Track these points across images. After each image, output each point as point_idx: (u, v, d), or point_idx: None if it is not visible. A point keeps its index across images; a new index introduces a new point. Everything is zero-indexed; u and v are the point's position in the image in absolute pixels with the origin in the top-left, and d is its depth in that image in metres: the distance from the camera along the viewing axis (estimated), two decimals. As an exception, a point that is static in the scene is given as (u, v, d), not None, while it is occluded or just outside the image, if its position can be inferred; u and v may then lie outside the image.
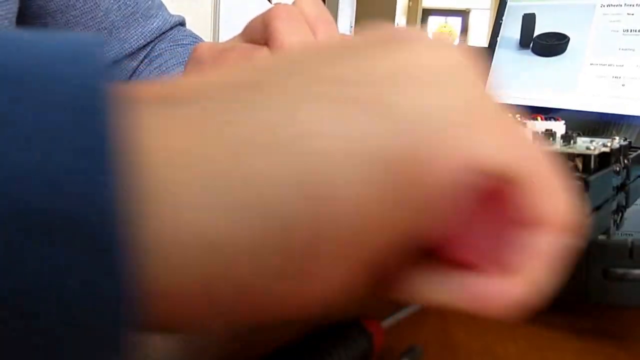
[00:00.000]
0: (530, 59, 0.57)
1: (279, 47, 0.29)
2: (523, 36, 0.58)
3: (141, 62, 0.54)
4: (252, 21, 0.32)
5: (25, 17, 0.49)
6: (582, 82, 0.53)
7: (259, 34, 0.30)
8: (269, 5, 0.32)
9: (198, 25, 0.61)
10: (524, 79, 0.57)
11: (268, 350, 0.15)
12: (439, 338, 0.19)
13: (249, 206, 0.11)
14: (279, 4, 0.32)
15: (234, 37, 0.33)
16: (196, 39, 0.57)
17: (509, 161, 0.12)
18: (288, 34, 0.29)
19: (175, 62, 0.52)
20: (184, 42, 0.55)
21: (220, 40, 0.36)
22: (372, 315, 0.18)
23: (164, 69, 0.52)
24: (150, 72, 0.52)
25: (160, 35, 0.54)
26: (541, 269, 0.13)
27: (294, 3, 0.31)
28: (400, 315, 0.19)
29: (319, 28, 0.30)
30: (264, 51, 0.29)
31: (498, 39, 0.60)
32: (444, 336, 0.19)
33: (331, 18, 0.32)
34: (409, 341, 0.18)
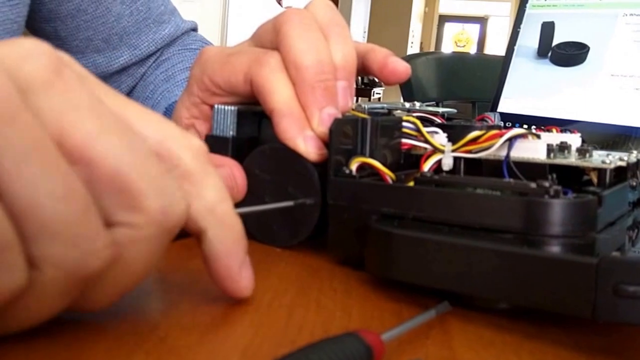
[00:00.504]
0: (548, 68, 0.57)
1: (289, 52, 0.29)
2: (541, 45, 0.58)
3: (149, 67, 0.54)
4: (262, 25, 0.32)
5: (35, 21, 0.50)
6: (602, 94, 0.53)
7: (270, 38, 0.30)
8: (279, 10, 0.32)
9: (206, 30, 0.62)
10: (541, 89, 0.57)
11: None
12: (441, 352, 0.19)
13: None
14: (291, 7, 0.32)
15: (244, 42, 0.33)
16: (206, 43, 0.57)
17: None
18: (299, 39, 0.29)
19: (182, 67, 0.52)
20: (193, 46, 0.55)
21: (228, 45, 0.36)
22: (373, 327, 0.18)
23: (171, 73, 0.53)
24: (156, 77, 0.53)
25: (171, 41, 0.55)
26: None
27: (306, 7, 0.32)
28: (403, 328, 0.19)
29: (331, 33, 0.30)
30: (274, 55, 0.29)
31: (515, 47, 0.60)
32: (447, 350, 0.19)
33: (344, 23, 0.32)
34: (411, 355, 0.18)
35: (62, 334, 0.18)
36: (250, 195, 0.28)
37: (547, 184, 0.23)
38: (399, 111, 0.38)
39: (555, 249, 0.22)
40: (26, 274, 0.16)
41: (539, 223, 0.22)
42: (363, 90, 4.42)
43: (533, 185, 0.23)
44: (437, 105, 1.29)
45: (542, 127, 0.35)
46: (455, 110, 0.40)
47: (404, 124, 0.32)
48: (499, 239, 0.22)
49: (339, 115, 0.29)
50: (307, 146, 0.28)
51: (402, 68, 0.33)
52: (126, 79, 0.54)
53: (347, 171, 0.27)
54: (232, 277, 0.21)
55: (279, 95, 0.28)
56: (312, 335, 0.20)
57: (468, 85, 1.21)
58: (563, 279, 0.20)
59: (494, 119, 0.38)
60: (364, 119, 0.29)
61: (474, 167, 0.31)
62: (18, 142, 0.15)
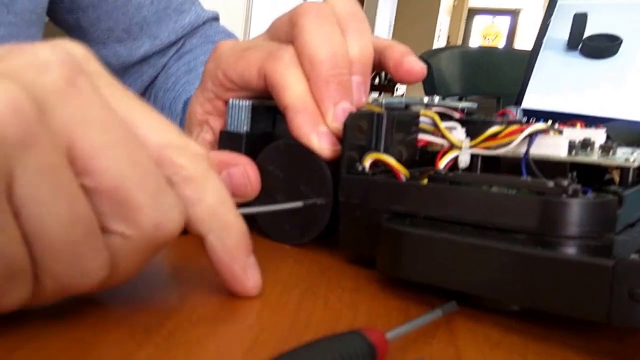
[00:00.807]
0: (577, 61, 0.56)
1: (304, 47, 0.29)
2: (572, 37, 0.57)
3: (171, 57, 0.55)
4: (278, 18, 0.32)
5: (58, 12, 0.51)
6: (634, 89, 0.51)
7: (285, 32, 0.30)
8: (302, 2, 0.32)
9: (230, 23, 0.62)
10: (569, 83, 0.56)
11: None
12: (447, 352, 0.19)
13: None
14: (309, 1, 0.32)
15: (260, 36, 0.34)
16: (229, 35, 0.57)
17: None
18: (314, 33, 0.29)
19: (204, 59, 0.53)
20: (216, 38, 0.55)
21: (251, 37, 0.36)
22: (379, 326, 0.18)
23: (193, 65, 0.53)
24: (178, 68, 0.53)
25: (192, 30, 0.55)
26: None
27: (324, 0, 0.32)
28: (408, 327, 0.19)
29: (349, 26, 0.30)
30: (288, 50, 0.29)
31: (544, 40, 0.59)
32: (452, 350, 0.19)
33: (364, 16, 0.32)
34: (416, 354, 0.18)
35: (73, 327, 0.19)
36: (263, 191, 0.28)
37: (565, 182, 0.22)
38: (417, 106, 0.37)
39: (570, 250, 0.21)
40: (32, 290, 0.17)
41: (555, 223, 0.22)
42: (386, 86, 4.39)
43: (551, 184, 0.23)
44: (460, 100, 1.27)
45: (567, 122, 0.34)
46: (476, 105, 0.40)
47: (422, 119, 0.31)
48: (512, 239, 0.22)
49: (354, 110, 0.29)
50: (321, 142, 0.28)
51: (418, 68, 0.32)
52: (147, 69, 0.54)
53: (360, 168, 0.27)
54: (237, 279, 0.22)
55: (292, 90, 0.28)
56: (318, 332, 0.20)
57: (493, 80, 1.20)
58: (577, 282, 0.20)
59: (515, 113, 0.38)
60: (379, 114, 0.29)
61: (492, 164, 0.30)
62: (36, 166, 0.16)
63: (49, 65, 0.18)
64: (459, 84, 1.16)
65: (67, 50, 0.19)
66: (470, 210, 0.23)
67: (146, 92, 0.56)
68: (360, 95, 0.30)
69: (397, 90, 4.38)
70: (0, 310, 0.17)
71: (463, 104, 0.38)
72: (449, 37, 6.22)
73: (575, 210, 0.22)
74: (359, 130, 0.28)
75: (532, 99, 0.58)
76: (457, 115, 0.35)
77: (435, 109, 0.35)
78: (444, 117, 0.33)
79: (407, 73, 0.32)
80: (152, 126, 0.20)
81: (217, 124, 0.33)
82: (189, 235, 0.28)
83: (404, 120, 0.31)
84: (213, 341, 0.19)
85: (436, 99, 0.42)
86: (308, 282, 0.25)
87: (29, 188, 0.16)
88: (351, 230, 0.27)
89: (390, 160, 0.28)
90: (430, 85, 1.10)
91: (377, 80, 4.26)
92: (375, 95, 0.36)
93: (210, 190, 0.21)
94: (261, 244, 0.22)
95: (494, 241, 0.22)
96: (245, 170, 0.27)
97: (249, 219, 0.22)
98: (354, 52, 0.29)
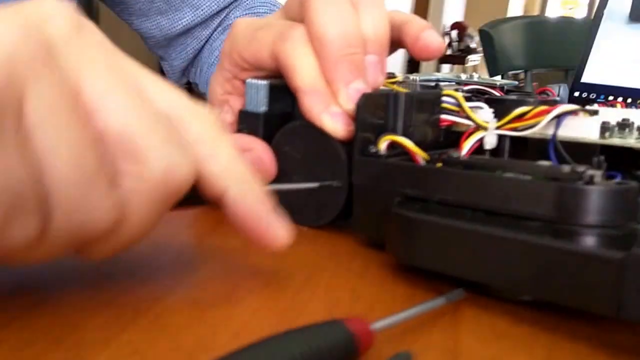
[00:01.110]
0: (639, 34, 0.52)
1: (313, 25, 0.28)
2: (634, 8, 0.53)
3: (214, 29, 0.55)
4: None
5: None
6: None
7: (297, 10, 0.30)
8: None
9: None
10: (631, 57, 0.52)
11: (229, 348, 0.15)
12: (445, 343, 0.19)
13: None
14: None
15: (275, 13, 0.33)
16: (273, 6, 0.56)
17: None
18: (324, 11, 0.28)
19: None
20: (259, 10, 0.55)
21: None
22: (378, 312, 0.18)
23: None
24: (222, 42, 0.53)
25: (235, 0, 0.55)
26: None
27: None
28: (402, 316, 0.18)
29: (362, 3, 0.29)
30: (299, 29, 0.29)
31: (605, 11, 0.55)
32: (451, 341, 0.19)
33: None
34: (410, 344, 0.18)
35: (61, 307, 0.19)
36: (279, 173, 0.28)
37: (581, 168, 0.21)
38: (452, 84, 0.36)
39: (586, 240, 0.20)
40: (39, 227, 0.17)
41: (570, 211, 0.21)
42: (458, 57, 4.24)
43: (567, 169, 0.21)
44: (525, 74, 1.21)
45: (623, 99, 0.32)
46: (515, 82, 0.38)
47: (445, 98, 0.30)
48: (522, 228, 0.21)
49: (368, 91, 0.28)
50: (335, 123, 0.27)
51: (435, 44, 0.30)
52: (191, 41, 0.55)
53: (374, 150, 0.27)
54: (269, 228, 0.21)
55: (302, 71, 0.28)
56: (312, 318, 0.20)
57: (567, 52, 1.13)
58: (587, 274, 0.19)
59: (557, 91, 0.36)
60: (395, 94, 0.28)
61: (521, 146, 0.29)
62: (47, 91, 0.16)
63: (54, 15, 0.18)
64: (524, 57, 1.10)
65: (71, 10, 0.19)
66: (483, 195, 0.22)
67: (191, 65, 0.57)
68: (377, 75, 0.29)
69: (467, 62, 4.20)
70: (7, 248, 0.17)
71: (502, 81, 0.36)
72: (525, 6, 5.92)
73: (592, 197, 0.20)
74: (374, 111, 0.28)
75: (593, 73, 0.55)
76: (497, 93, 0.34)
77: (469, 86, 0.34)
78: (479, 95, 0.32)
79: (423, 49, 0.30)
80: (161, 88, 0.20)
81: (237, 103, 0.33)
82: (193, 219, 0.28)
83: (424, 100, 0.30)
84: (200, 326, 0.19)
85: (475, 76, 0.40)
86: (315, 266, 0.24)
87: (40, 111, 0.16)
88: (364, 213, 0.27)
89: (406, 142, 0.27)
90: (492, 58, 1.05)
91: (449, 51, 4.12)
92: (440, 72, 0.35)
93: (222, 147, 0.21)
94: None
95: (503, 229, 0.21)
96: (259, 156, 0.26)
97: None
98: (367, 29, 0.28)
